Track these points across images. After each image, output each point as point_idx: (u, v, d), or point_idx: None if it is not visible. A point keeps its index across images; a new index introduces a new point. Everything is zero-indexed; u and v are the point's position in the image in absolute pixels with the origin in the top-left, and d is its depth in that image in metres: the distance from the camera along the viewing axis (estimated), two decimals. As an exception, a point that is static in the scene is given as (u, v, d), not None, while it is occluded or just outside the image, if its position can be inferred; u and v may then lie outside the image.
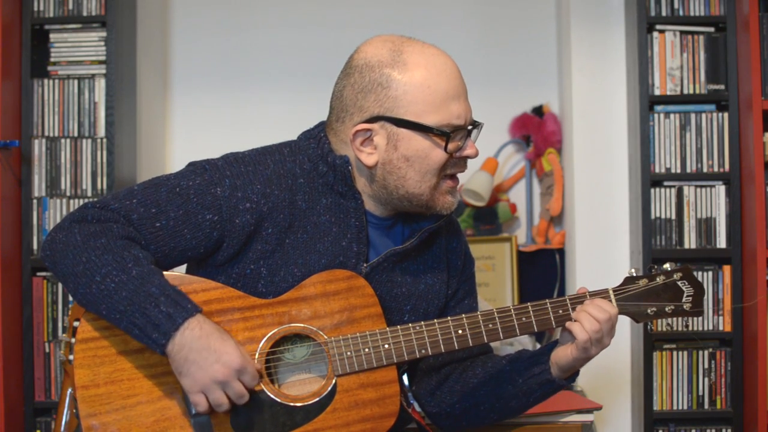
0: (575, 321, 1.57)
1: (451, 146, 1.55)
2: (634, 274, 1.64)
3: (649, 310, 1.62)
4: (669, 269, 1.64)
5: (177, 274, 1.55)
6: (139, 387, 1.49)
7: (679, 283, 1.63)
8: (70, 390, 1.86)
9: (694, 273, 1.66)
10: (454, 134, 1.55)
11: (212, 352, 1.44)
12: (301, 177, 1.60)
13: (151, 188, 1.55)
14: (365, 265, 1.61)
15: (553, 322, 1.59)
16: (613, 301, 1.61)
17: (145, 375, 1.50)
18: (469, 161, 1.63)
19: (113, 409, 1.48)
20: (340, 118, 1.60)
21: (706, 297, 2.56)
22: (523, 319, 1.58)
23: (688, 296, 1.63)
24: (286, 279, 1.56)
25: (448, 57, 1.58)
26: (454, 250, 1.76)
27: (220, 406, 1.46)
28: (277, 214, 1.57)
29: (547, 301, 1.60)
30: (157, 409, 1.48)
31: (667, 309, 1.62)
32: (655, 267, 1.65)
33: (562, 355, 1.60)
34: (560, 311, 1.59)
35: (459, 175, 1.64)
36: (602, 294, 1.61)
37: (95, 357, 1.50)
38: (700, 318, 2.56)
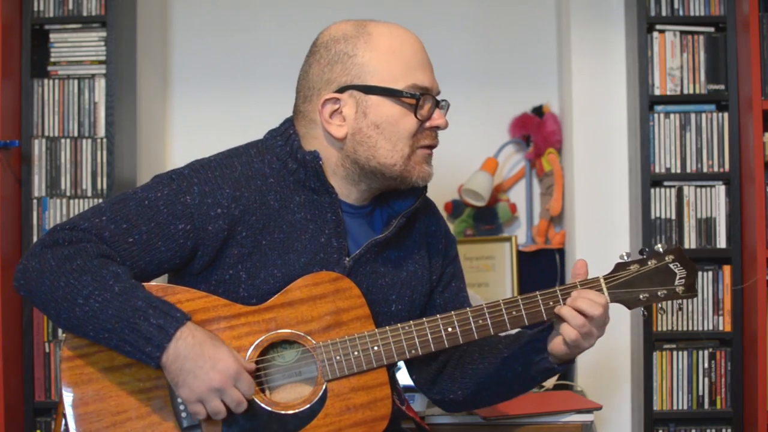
0: (563, 321, 1.55)
1: (421, 112, 1.55)
2: (626, 259, 1.61)
3: (641, 296, 1.59)
4: (661, 251, 1.61)
5: (160, 284, 1.53)
6: (128, 403, 1.47)
7: (671, 265, 1.60)
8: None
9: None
10: (424, 100, 1.56)
11: (207, 359, 1.42)
12: (270, 176, 1.58)
13: (119, 204, 1.52)
14: (347, 258, 1.59)
15: (544, 315, 1.57)
16: (605, 289, 1.58)
17: (133, 390, 1.48)
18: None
19: (104, 426, 1.46)
20: (308, 98, 1.60)
21: (705, 296, 2.56)
22: (514, 313, 1.56)
23: (680, 278, 1.60)
24: (267, 281, 1.54)
25: (412, 33, 1.61)
26: (434, 233, 1.75)
27: (217, 414, 1.45)
28: (249, 216, 1.54)
29: (537, 293, 1.57)
30: (147, 424, 1.47)
31: (659, 293, 1.59)
32: (647, 249, 1.62)
33: (557, 348, 1.58)
34: (551, 302, 1.57)
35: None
36: (593, 283, 1.59)
37: (81, 375, 1.47)
38: (700, 318, 2.56)
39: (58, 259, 1.45)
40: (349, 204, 1.62)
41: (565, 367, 1.63)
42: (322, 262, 1.57)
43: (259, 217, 1.55)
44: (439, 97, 1.61)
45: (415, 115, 1.55)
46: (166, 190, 1.53)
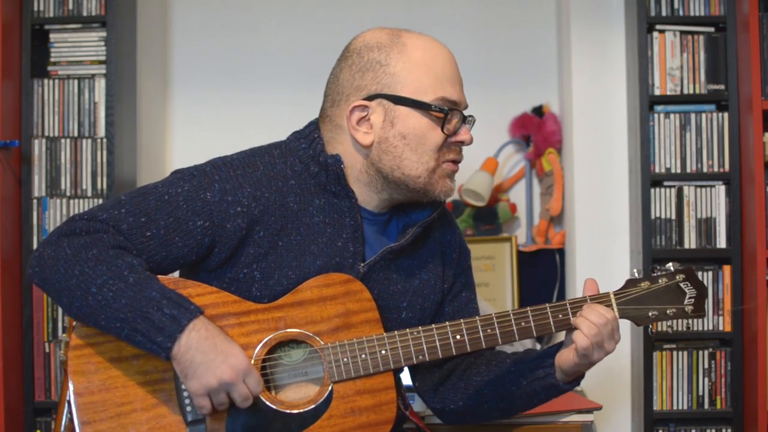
0: (576, 329, 1.55)
1: (448, 127, 1.56)
2: (636, 276, 1.62)
3: (650, 313, 1.60)
4: (672, 270, 1.62)
5: (171, 278, 1.53)
6: (134, 394, 1.47)
7: (681, 284, 1.61)
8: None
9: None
10: (451, 114, 1.56)
11: (219, 353, 1.43)
12: (292, 178, 1.58)
13: (139, 197, 1.52)
14: (362, 264, 1.60)
15: (553, 327, 1.57)
16: (614, 305, 1.59)
17: (139, 382, 1.48)
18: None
19: (108, 416, 1.46)
20: (336, 102, 1.59)
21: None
22: (522, 324, 1.56)
23: (690, 298, 1.61)
24: (280, 282, 1.54)
25: (445, 46, 1.60)
26: (448, 243, 1.75)
27: (221, 405, 1.46)
28: (268, 217, 1.55)
29: (546, 305, 1.58)
30: (151, 416, 1.47)
31: (668, 311, 1.60)
32: (658, 268, 1.64)
33: (565, 359, 1.58)
34: (560, 315, 1.57)
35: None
36: (603, 298, 1.60)
37: (89, 364, 1.48)
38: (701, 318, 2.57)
39: (74, 247, 1.45)
40: (368, 210, 1.62)
41: (570, 387, 1.63)
42: (338, 266, 1.57)
43: (278, 218, 1.55)
44: (466, 112, 1.61)
45: (442, 129, 1.56)
46: (187, 186, 1.53)
